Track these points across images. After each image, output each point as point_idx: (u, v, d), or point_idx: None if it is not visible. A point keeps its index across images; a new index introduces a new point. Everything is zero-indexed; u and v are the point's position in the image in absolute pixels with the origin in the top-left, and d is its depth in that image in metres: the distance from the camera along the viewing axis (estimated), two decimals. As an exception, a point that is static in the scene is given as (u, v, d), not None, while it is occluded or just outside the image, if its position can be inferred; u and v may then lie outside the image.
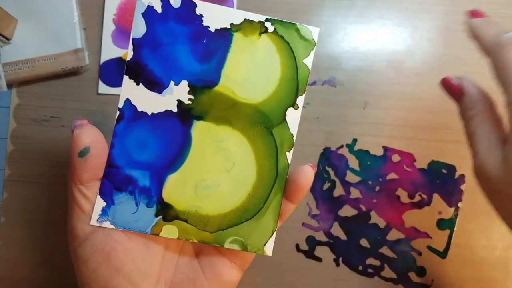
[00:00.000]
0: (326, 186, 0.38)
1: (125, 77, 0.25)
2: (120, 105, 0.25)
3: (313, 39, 0.25)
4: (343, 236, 0.37)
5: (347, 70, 0.39)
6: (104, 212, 0.24)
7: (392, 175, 0.37)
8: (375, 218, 0.37)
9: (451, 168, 0.37)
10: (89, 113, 0.39)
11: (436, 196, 0.37)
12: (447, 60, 0.39)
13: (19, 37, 0.38)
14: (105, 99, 0.39)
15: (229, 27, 0.25)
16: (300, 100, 0.25)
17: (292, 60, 0.25)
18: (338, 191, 0.37)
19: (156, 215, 0.25)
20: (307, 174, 0.25)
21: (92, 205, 0.24)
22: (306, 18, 0.39)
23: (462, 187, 0.37)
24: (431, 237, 0.37)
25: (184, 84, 0.25)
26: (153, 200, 0.25)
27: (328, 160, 0.38)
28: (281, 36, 0.25)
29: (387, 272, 0.37)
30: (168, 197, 0.25)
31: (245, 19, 0.25)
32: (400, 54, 0.39)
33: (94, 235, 0.23)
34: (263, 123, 0.25)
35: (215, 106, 0.25)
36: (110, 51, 0.39)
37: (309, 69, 0.25)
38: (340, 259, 0.37)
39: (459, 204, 0.37)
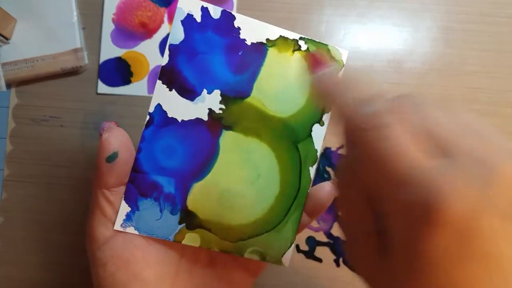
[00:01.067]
0: (326, 186, 0.38)
1: (158, 82, 0.25)
2: (151, 109, 0.25)
3: (341, 60, 0.26)
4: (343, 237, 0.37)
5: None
6: (128, 217, 0.24)
7: (392, 175, 0.37)
8: (376, 218, 0.37)
9: (452, 168, 0.37)
10: (88, 113, 0.38)
11: (436, 196, 0.37)
12: (447, 60, 0.38)
13: (18, 37, 0.38)
14: (105, 99, 0.38)
15: (265, 42, 0.25)
16: (326, 117, 0.26)
17: None
18: (338, 191, 0.37)
19: (180, 223, 0.25)
20: (328, 191, 0.25)
21: (115, 210, 0.24)
22: (306, 18, 0.39)
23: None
24: (432, 238, 0.37)
25: (216, 93, 0.25)
26: (177, 207, 0.25)
27: (328, 160, 0.38)
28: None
29: (388, 273, 0.37)
30: (192, 205, 0.25)
31: (280, 36, 0.26)
32: (400, 54, 0.39)
33: (114, 239, 0.23)
34: (290, 137, 0.26)
35: (245, 117, 0.25)
36: (110, 50, 0.38)
37: None
38: (341, 259, 0.37)
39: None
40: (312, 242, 0.37)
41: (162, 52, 0.38)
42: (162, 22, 0.38)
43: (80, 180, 0.38)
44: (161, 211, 0.25)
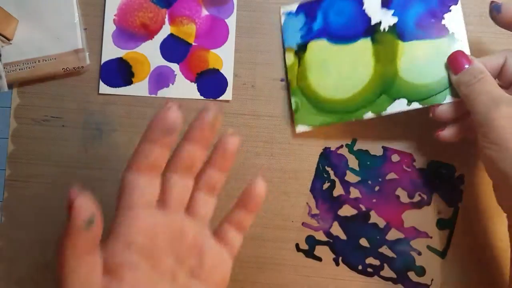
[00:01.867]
0: (326, 185, 0.38)
1: None
2: None
3: None
4: (342, 236, 0.37)
5: (347, 70, 0.39)
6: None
7: (391, 175, 0.38)
8: (375, 218, 0.37)
9: (451, 168, 0.38)
10: (89, 113, 0.39)
11: (435, 196, 0.37)
12: (446, 61, 0.39)
13: (20, 38, 0.38)
14: (106, 100, 0.39)
15: None
16: (415, 105, 0.34)
17: None
18: (338, 190, 0.38)
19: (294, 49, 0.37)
20: (233, 139, 0.26)
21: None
22: (306, 19, 0.40)
23: (462, 187, 0.37)
24: (431, 237, 0.37)
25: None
26: (309, 35, 0.36)
27: (328, 159, 0.38)
28: None
29: (387, 272, 0.37)
30: (310, 47, 0.36)
31: None
32: (399, 54, 0.39)
33: None
34: (383, 90, 0.34)
35: (388, 54, 0.35)
36: (111, 51, 0.39)
37: None
38: (340, 258, 0.37)
39: (459, 204, 0.37)
40: (312, 241, 0.37)
41: (163, 53, 0.39)
42: (163, 23, 0.39)
43: (82, 180, 0.38)
44: (300, 29, 0.37)
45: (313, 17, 0.36)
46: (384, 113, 0.34)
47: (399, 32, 0.34)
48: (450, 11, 0.34)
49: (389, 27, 0.35)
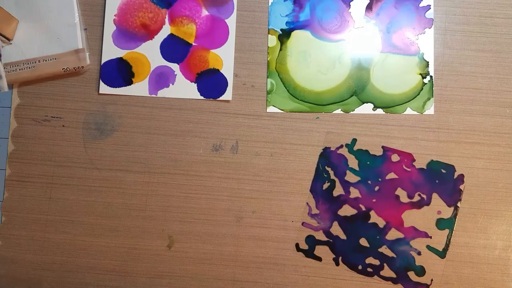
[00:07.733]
0: (325, 185, 0.38)
1: None
2: None
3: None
4: (342, 236, 0.37)
5: (347, 70, 0.39)
6: None
7: (391, 175, 0.38)
8: (375, 218, 0.37)
9: (450, 168, 0.38)
10: (90, 113, 0.39)
11: (435, 196, 0.37)
12: (446, 61, 0.39)
13: (20, 38, 0.38)
14: (106, 99, 0.39)
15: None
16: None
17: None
18: (338, 190, 0.38)
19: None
20: None
21: None
22: (306, 19, 0.40)
23: (461, 187, 0.37)
24: (431, 237, 0.37)
25: None
26: (294, 15, 0.38)
27: (328, 159, 0.38)
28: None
29: (387, 272, 0.37)
30: (295, 36, 0.38)
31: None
32: (399, 54, 0.39)
33: None
34: (356, 90, 0.38)
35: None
36: (111, 51, 0.39)
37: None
38: (340, 258, 0.37)
39: (458, 204, 0.37)
40: (312, 241, 0.37)
41: (163, 53, 0.39)
42: (163, 23, 0.39)
43: (81, 180, 0.38)
44: (287, 16, 0.38)
45: (301, 6, 0.38)
46: (352, 113, 0.37)
47: (377, 41, 0.38)
48: (424, 33, 0.38)
49: (370, 35, 0.38)
